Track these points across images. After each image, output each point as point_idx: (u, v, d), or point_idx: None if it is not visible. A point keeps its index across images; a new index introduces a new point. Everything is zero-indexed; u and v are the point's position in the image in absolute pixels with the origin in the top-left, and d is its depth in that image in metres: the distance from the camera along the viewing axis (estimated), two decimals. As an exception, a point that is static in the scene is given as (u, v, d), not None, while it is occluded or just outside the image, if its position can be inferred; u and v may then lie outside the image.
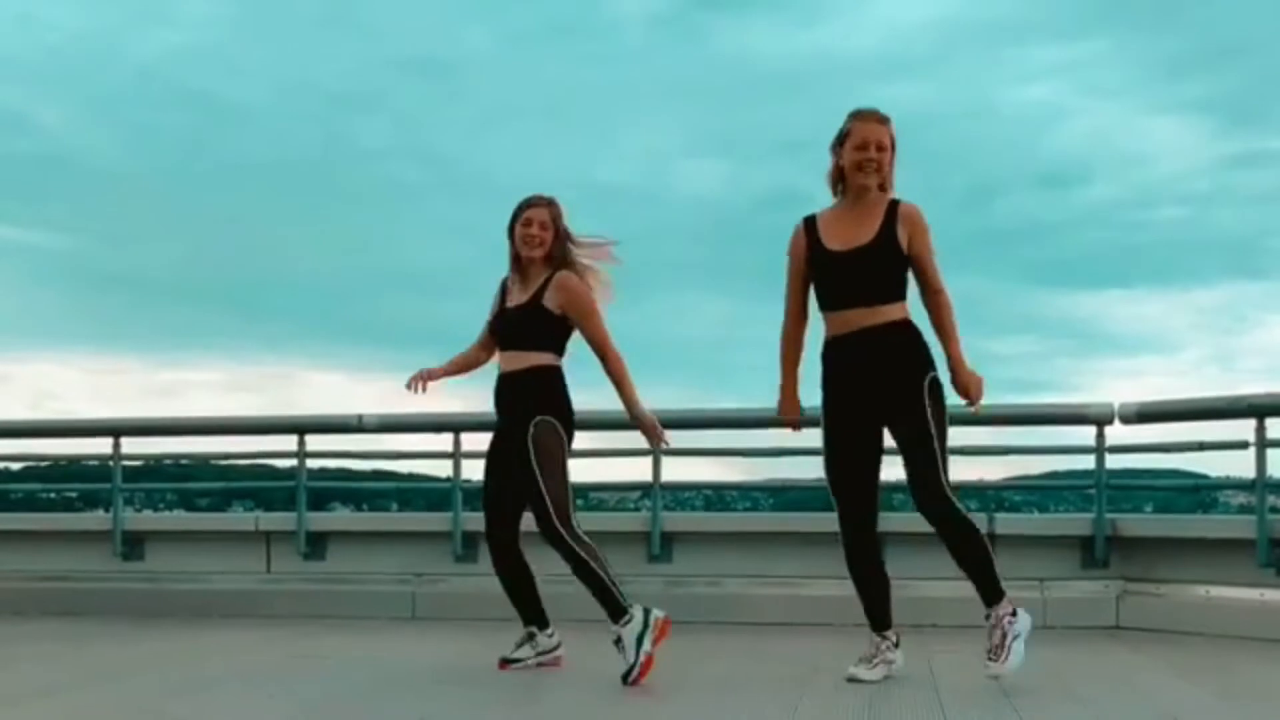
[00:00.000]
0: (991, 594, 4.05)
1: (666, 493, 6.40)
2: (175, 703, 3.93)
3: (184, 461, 8.10)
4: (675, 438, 6.36)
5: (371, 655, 5.01)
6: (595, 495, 7.28)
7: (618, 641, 4.20)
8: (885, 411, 4.09)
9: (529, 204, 4.48)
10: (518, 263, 4.50)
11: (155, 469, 8.01)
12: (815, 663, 4.54)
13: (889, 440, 4.14)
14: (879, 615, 4.24)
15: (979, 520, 5.89)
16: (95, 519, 7.21)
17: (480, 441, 6.60)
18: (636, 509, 6.84)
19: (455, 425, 6.50)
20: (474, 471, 6.65)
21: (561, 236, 4.47)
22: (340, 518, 7.37)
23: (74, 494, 8.27)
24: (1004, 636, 3.99)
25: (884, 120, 4.10)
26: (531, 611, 4.57)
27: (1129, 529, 5.82)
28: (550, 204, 4.49)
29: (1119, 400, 5.84)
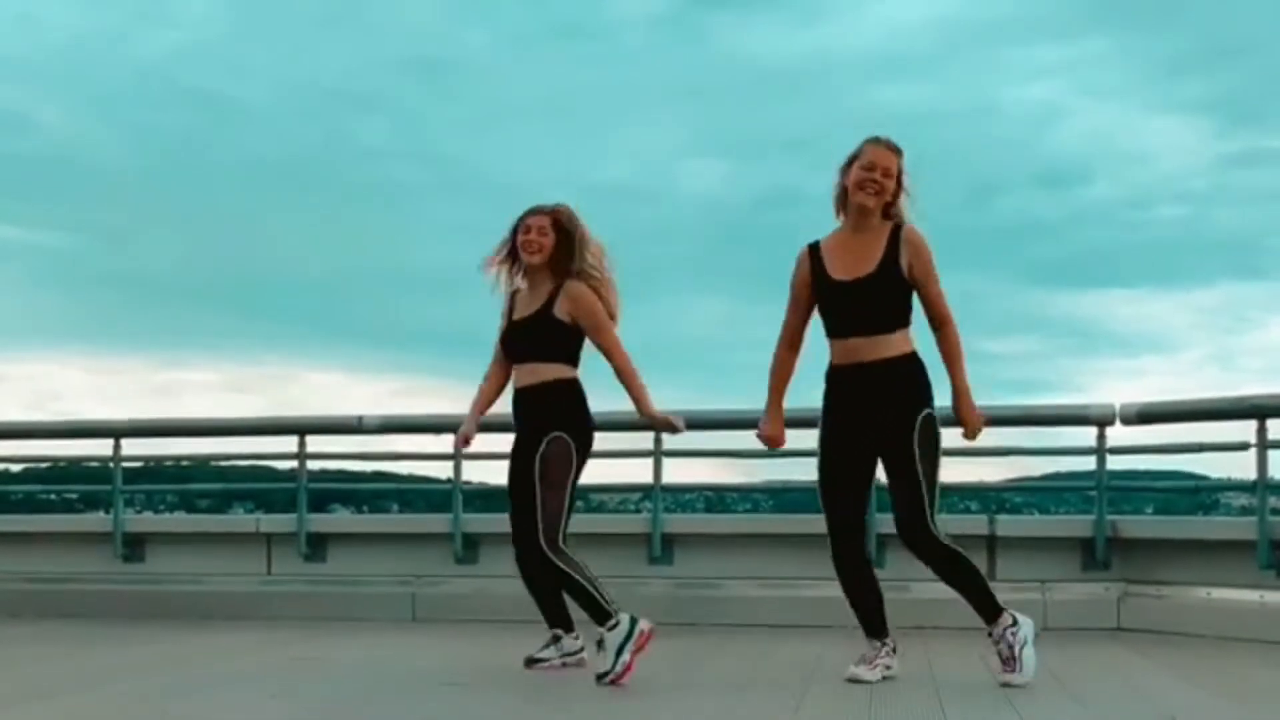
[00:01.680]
0: (989, 612, 4.11)
1: (667, 494, 6.39)
2: (176, 705, 3.93)
3: (184, 463, 8.12)
4: (677, 439, 6.38)
5: (372, 657, 5.00)
6: (596, 497, 7.28)
7: (600, 643, 4.23)
8: (877, 444, 4.13)
9: (528, 213, 4.46)
10: (525, 273, 4.48)
11: (155, 470, 8.03)
12: (816, 664, 4.54)
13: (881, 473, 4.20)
14: (873, 623, 4.24)
15: (979, 522, 5.97)
16: (96, 520, 7.22)
17: (481, 443, 6.62)
18: (637, 511, 6.85)
19: (455, 427, 6.46)
20: (474, 473, 6.67)
21: (569, 240, 4.40)
22: (341, 519, 7.37)
23: (74, 495, 8.27)
24: (1011, 648, 4.04)
25: (895, 150, 4.12)
26: (556, 615, 4.58)
27: (1130, 530, 5.82)
28: (551, 211, 4.45)
29: (1120, 401, 5.84)
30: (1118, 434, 5.82)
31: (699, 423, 6.51)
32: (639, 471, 6.35)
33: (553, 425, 4.34)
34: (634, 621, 4.22)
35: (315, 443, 6.75)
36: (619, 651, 4.17)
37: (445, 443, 6.52)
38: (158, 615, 6.46)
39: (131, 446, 6.99)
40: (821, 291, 4.14)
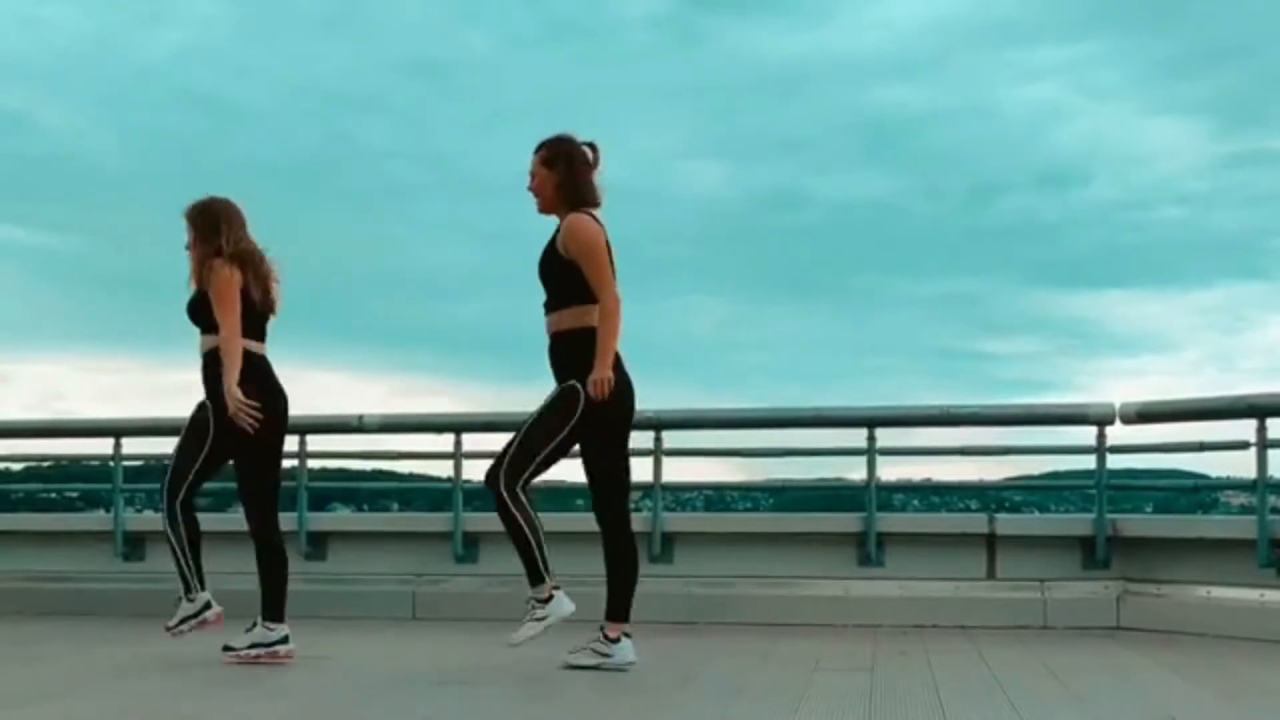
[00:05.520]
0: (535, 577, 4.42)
1: (667, 493, 6.39)
2: (177, 703, 3.94)
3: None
4: (677, 438, 6.38)
5: (372, 655, 5.01)
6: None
7: (195, 609, 4.97)
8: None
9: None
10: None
11: (156, 469, 8.01)
12: (816, 663, 4.54)
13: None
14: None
15: (979, 521, 5.97)
16: (96, 519, 7.22)
17: (481, 442, 6.64)
18: (637, 509, 6.83)
19: (456, 426, 6.51)
20: (475, 472, 6.66)
21: (203, 234, 4.74)
22: (341, 518, 7.37)
23: (75, 494, 8.27)
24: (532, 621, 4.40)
25: (537, 150, 4.49)
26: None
27: (1129, 529, 5.82)
28: (189, 210, 4.78)
29: (1120, 400, 5.84)
30: (1117, 433, 5.83)
31: (699, 422, 6.53)
32: (638, 470, 6.31)
33: (216, 393, 4.78)
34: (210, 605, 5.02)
35: (316, 442, 6.75)
36: (185, 620, 5.02)
37: (445, 442, 6.53)
38: (158, 614, 6.41)
39: (132, 445, 7.00)
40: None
